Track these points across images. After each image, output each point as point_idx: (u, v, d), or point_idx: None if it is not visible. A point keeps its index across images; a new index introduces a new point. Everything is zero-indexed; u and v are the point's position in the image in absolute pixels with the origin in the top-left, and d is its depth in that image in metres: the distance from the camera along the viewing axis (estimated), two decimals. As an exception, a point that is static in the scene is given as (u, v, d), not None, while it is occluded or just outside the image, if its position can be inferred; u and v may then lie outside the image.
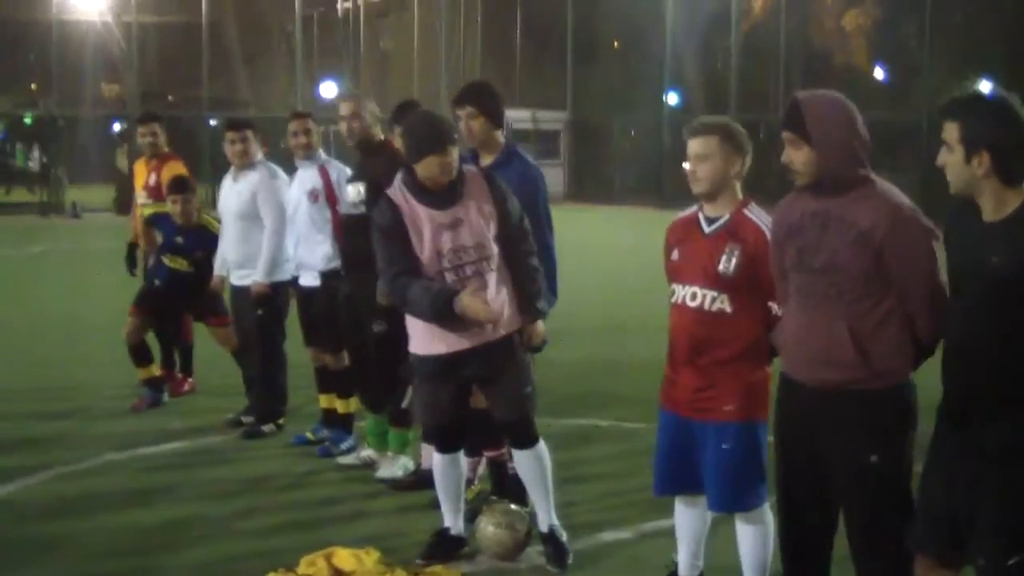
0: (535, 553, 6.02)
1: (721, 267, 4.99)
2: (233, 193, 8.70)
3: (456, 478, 6.08)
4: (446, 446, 6.02)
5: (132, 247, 10.44)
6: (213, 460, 8.11)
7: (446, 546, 6.07)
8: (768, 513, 5.14)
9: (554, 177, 33.56)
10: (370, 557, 5.79)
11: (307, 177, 8.08)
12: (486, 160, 6.46)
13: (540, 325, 6.04)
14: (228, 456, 8.19)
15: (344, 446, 8.06)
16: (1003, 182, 3.96)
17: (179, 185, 9.38)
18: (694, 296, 5.05)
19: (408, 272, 5.63)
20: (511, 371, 5.84)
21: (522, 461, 6.00)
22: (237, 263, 8.70)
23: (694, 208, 5.21)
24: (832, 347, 4.42)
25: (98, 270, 17.26)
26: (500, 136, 6.58)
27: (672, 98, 39.44)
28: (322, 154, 8.19)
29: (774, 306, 4.92)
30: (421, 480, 7.07)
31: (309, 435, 8.35)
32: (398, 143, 7.25)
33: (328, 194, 7.96)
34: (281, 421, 8.74)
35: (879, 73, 37.81)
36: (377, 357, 7.31)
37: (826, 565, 4.76)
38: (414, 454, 7.48)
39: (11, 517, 6.90)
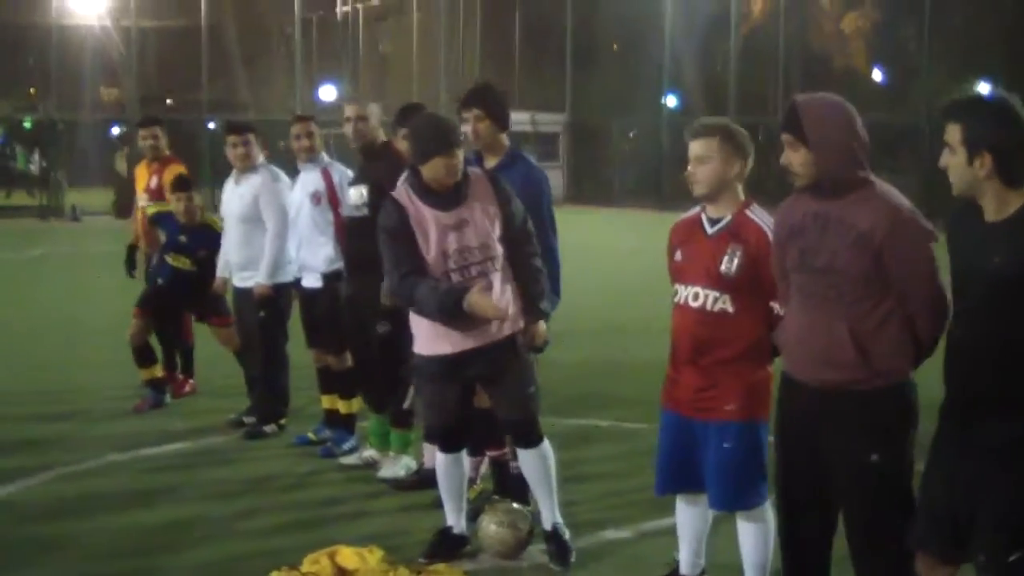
0: (537, 552, 6.04)
1: (723, 267, 5.01)
2: (235, 196, 8.73)
3: (459, 477, 6.10)
4: (450, 446, 6.04)
5: (132, 249, 10.47)
6: (215, 461, 8.13)
7: (449, 545, 6.09)
8: (769, 512, 5.15)
9: (553, 179, 33.14)
10: (373, 556, 5.80)
11: (310, 180, 8.11)
12: (490, 162, 6.49)
13: (543, 325, 6.07)
14: (230, 457, 8.21)
15: (346, 446, 8.07)
16: (1005, 183, 3.98)
17: (183, 183, 9.42)
18: (696, 296, 5.07)
19: (415, 272, 5.65)
20: (515, 371, 5.86)
21: (527, 460, 6.02)
22: (239, 265, 8.72)
23: (697, 209, 5.23)
24: (833, 347, 4.44)
25: (98, 273, 17.29)
26: (505, 139, 6.61)
27: (671, 100, 39.48)
28: (325, 157, 8.22)
29: (776, 306, 4.94)
30: (423, 480, 7.09)
31: (311, 436, 8.38)
32: (401, 146, 7.28)
33: (330, 196, 7.99)
34: (283, 422, 8.76)
35: (878, 75, 37.84)
36: (380, 358, 7.33)
37: (826, 565, 4.78)
38: (416, 454, 7.50)
39: (13, 518, 6.91)
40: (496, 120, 6.54)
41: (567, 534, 6.02)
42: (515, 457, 6.52)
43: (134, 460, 8.11)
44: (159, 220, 9.73)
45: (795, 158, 4.49)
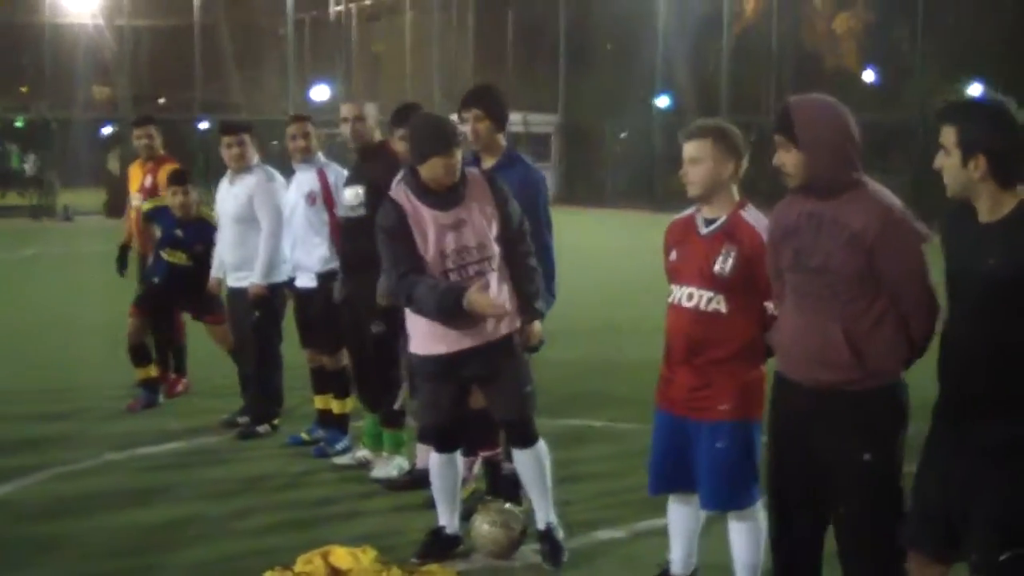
0: (530, 551, 6.07)
1: (717, 268, 5.05)
2: (230, 196, 8.74)
3: (453, 477, 6.13)
4: (444, 446, 6.07)
5: (124, 249, 10.47)
6: (210, 460, 8.15)
7: (442, 545, 6.11)
8: (761, 512, 5.18)
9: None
10: (366, 555, 5.83)
11: (305, 180, 8.13)
12: (488, 163, 6.52)
13: (538, 325, 6.10)
14: (224, 456, 8.23)
15: (339, 446, 8.10)
16: (999, 185, 4.02)
17: (179, 176, 9.43)
18: (691, 296, 5.11)
19: (414, 271, 5.68)
20: (511, 371, 5.89)
21: (522, 460, 6.04)
22: (234, 265, 8.74)
23: (692, 209, 5.27)
24: (827, 348, 4.47)
25: (91, 273, 17.27)
26: (503, 139, 6.64)
27: (663, 101, 39.50)
28: (321, 157, 8.24)
29: (770, 306, 4.97)
30: (416, 480, 7.11)
31: (304, 435, 8.40)
32: (398, 146, 7.31)
33: (325, 197, 8.01)
34: (276, 422, 8.78)
35: (870, 75, 37.89)
36: (374, 358, 7.36)
37: (817, 564, 4.80)
38: (409, 454, 7.52)
39: (10, 517, 6.93)
40: (495, 121, 6.58)
41: (561, 534, 6.05)
42: (508, 457, 6.55)
43: (130, 459, 8.13)
44: (155, 215, 9.68)
45: (787, 159, 4.52)
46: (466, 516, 6.23)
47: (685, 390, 5.16)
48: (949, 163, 4.08)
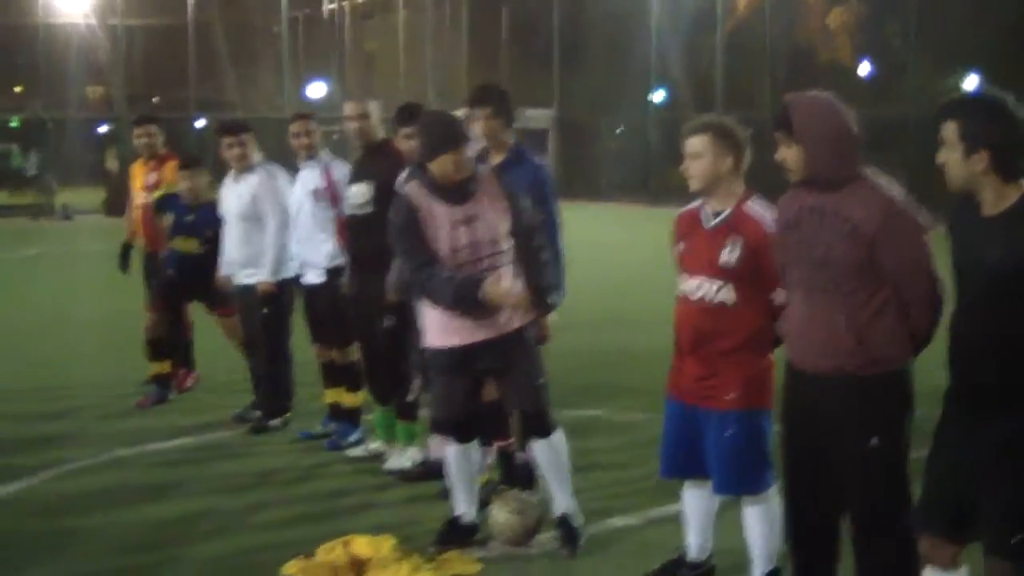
0: (546, 539, 6.13)
1: (723, 259, 5.13)
2: (234, 195, 8.79)
3: (470, 467, 6.19)
4: (462, 437, 6.13)
5: (127, 247, 10.51)
6: (222, 455, 8.20)
7: (459, 533, 6.17)
8: (774, 498, 5.25)
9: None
10: (386, 544, 5.91)
11: (310, 177, 8.19)
12: (495, 159, 6.58)
13: (549, 318, 6.18)
14: (237, 451, 8.28)
15: (351, 439, 8.16)
16: (1002, 178, 4.09)
17: (190, 160, 9.50)
18: (698, 288, 5.19)
19: (429, 264, 5.75)
20: (524, 363, 5.96)
21: (539, 451, 6.10)
22: (241, 263, 8.78)
23: (699, 201, 5.34)
24: (832, 337, 4.56)
25: (95, 271, 17.32)
26: (510, 136, 6.71)
27: (659, 96, 39.55)
28: (324, 154, 8.29)
29: (777, 296, 5.04)
30: (429, 471, 7.19)
31: (316, 429, 8.47)
32: (402, 145, 7.36)
33: (331, 194, 8.06)
34: (287, 416, 8.84)
35: (864, 69, 37.93)
36: (385, 352, 7.42)
37: (834, 551, 4.87)
38: (422, 446, 7.58)
39: (24, 514, 6.97)
40: (505, 118, 6.66)
41: (578, 521, 6.12)
42: (521, 447, 6.63)
43: (141, 455, 8.18)
44: (165, 203, 9.72)
45: (788, 155, 4.62)
46: (481, 505, 6.29)
47: (694, 380, 5.25)
48: (952, 158, 4.14)
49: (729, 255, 5.11)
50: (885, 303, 4.52)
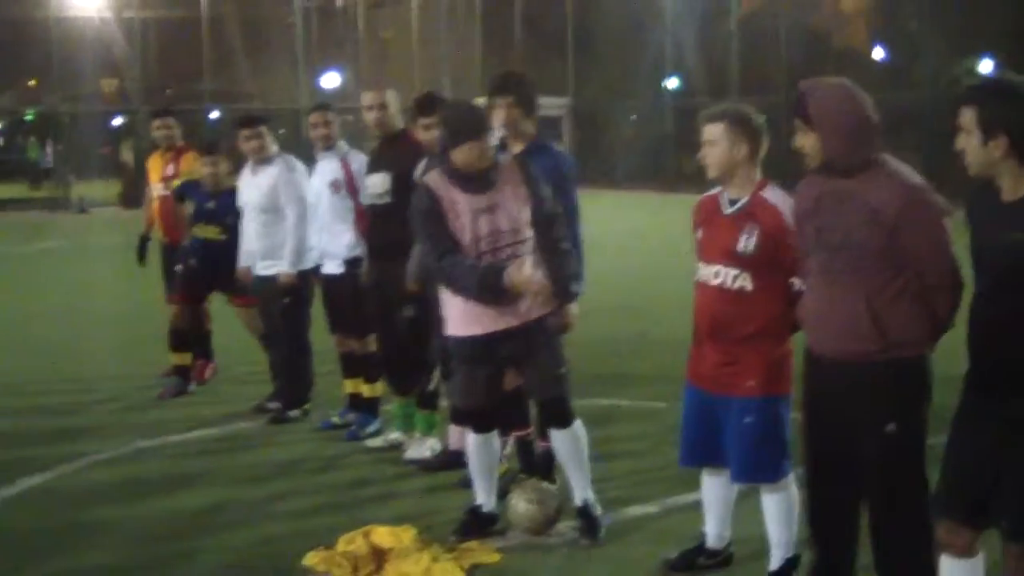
0: (565, 528, 6.16)
1: (740, 247, 5.14)
2: (252, 187, 8.83)
3: (490, 457, 6.22)
4: (482, 427, 6.16)
5: (144, 239, 10.58)
6: (243, 446, 8.25)
7: (479, 523, 6.20)
8: (793, 485, 5.29)
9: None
10: (407, 534, 5.95)
11: (329, 168, 8.22)
12: (516, 148, 6.57)
13: (572, 308, 6.20)
14: (257, 442, 8.32)
15: (371, 429, 8.19)
16: (1020, 164, 4.10)
17: (212, 146, 9.55)
18: (716, 274, 5.21)
19: (452, 251, 5.77)
20: (546, 352, 5.97)
21: (560, 440, 6.12)
22: (260, 254, 8.81)
23: (718, 189, 5.36)
24: (849, 321, 4.58)
25: (112, 264, 17.38)
26: (531, 126, 6.71)
27: (673, 83, 39.48)
28: (343, 145, 8.32)
29: (796, 282, 5.06)
30: (449, 461, 7.23)
31: (336, 419, 8.49)
32: (420, 135, 7.38)
33: (349, 185, 8.10)
34: (307, 407, 8.87)
35: (879, 54, 37.79)
36: (406, 342, 7.45)
37: (853, 538, 4.89)
38: (441, 436, 7.61)
39: (47, 505, 7.02)
40: (527, 107, 6.66)
41: (598, 510, 6.14)
42: (540, 436, 6.65)
43: (162, 447, 8.23)
44: (186, 190, 9.78)
45: (806, 141, 4.66)
46: (500, 495, 6.32)
47: (712, 366, 5.27)
48: (970, 144, 4.16)
49: (746, 243, 5.13)
50: (903, 288, 4.54)
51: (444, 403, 7.41)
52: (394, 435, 7.95)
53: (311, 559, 5.82)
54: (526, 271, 5.66)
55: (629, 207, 30.10)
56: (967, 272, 4.37)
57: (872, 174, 4.54)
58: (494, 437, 6.22)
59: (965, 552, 4.33)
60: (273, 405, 8.94)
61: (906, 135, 28.85)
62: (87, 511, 6.90)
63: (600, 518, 6.12)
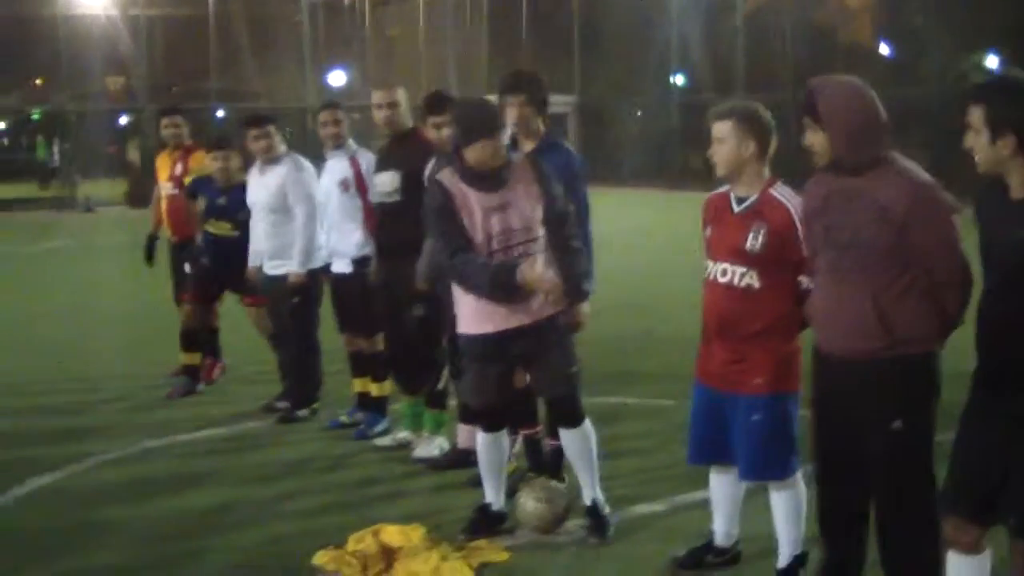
0: (574, 526, 6.16)
1: (748, 244, 5.15)
2: (261, 187, 8.83)
3: (499, 456, 6.23)
4: (491, 425, 6.16)
5: (152, 239, 10.59)
6: (251, 445, 8.25)
7: (488, 521, 6.21)
8: (800, 483, 5.29)
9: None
10: (416, 533, 5.96)
11: (338, 167, 8.22)
12: (528, 146, 6.57)
13: (584, 306, 6.20)
14: (266, 441, 8.33)
15: (379, 428, 8.20)
16: None
17: (222, 141, 9.55)
18: (724, 272, 5.22)
19: (465, 249, 5.76)
20: (557, 350, 5.96)
21: (569, 439, 6.13)
22: (269, 254, 8.82)
23: (727, 187, 5.36)
24: (857, 320, 4.59)
25: (119, 263, 17.39)
26: (542, 125, 6.71)
27: (679, 79, 39.47)
28: (352, 144, 8.32)
29: (803, 280, 5.07)
30: (457, 459, 7.24)
31: (344, 418, 8.50)
32: (430, 133, 7.39)
33: (359, 183, 8.10)
34: (315, 406, 8.87)
35: (885, 49, 37.72)
36: (414, 341, 7.46)
37: (862, 535, 4.90)
38: (449, 434, 7.62)
39: (56, 505, 7.03)
40: (538, 106, 6.66)
41: (606, 509, 6.14)
42: (549, 435, 6.66)
43: (170, 446, 8.24)
44: (197, 187, 9.77)
45: (815, 139, 4.68)
46: (509, 493, 6.32)
47: (721, 364, 5.28)
48: (979, 143, 4.16)
49: (754, 241, 5.13)
50: (910, 285, 4.55)
51: (453, 402, 7.41)
52: (402, 434, 7.96)
53: (320, 558, 5.83)
54: (538, 269, 5.65)
55: (635, 204, 30.08)
56: (976, 269, 4.37)
57: (881, 172, 4.55)
58: (503, 436, 6.23)
59: (972, 549, 4.34)
60: (282, 404, 8.94)
61: (913, 131, 28.78)
62: (95, 511, 6.90)
63: (609, 517, 6.13)
